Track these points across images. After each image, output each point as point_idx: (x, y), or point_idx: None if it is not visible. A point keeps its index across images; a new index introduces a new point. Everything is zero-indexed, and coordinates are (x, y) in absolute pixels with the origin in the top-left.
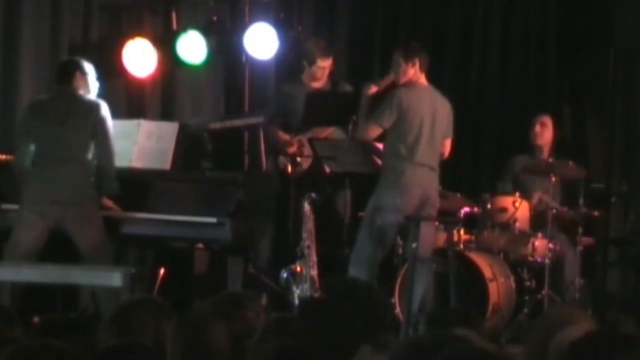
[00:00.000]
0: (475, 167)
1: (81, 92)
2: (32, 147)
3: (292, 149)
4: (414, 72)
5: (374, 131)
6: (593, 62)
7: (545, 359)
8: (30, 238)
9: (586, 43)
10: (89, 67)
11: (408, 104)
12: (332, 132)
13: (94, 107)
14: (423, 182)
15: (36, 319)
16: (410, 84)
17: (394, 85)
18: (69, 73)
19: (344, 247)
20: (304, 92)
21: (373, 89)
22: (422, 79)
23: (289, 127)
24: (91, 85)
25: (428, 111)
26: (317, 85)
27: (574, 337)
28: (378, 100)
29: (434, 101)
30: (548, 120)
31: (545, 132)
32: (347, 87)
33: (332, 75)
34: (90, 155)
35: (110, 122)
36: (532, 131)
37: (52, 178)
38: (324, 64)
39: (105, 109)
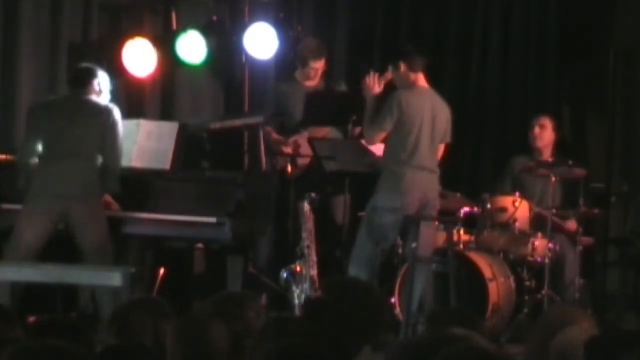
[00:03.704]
0: (475, 167)
1: (93, 97)
2: (39, 142)
3: (287, 150)
4: (415, 76)
5: (379, 136)
6: (593, 62)
7: (545, 359)
8: (33, 235)
9: (586, 43)
10: (103, 77)
11: (408, 107)
12: (328, 132)
13: (106, 110)
14: (423, 185)
15: (31, 319)
16: (410, 87)
17: (393, 87)
18: (85, 79)
19: (343, 247)
20: (300, 90)
21: (377, 89)
22: (422, 80)
23: (285, 127)
24: (104, 95)
25: (428, 114)
26: (310, 84)
27: (574, 337)
28: (381, 102)
29: (434, 104)
30: (547, 122)
31: (544, 134)
32: (343, 86)
33: (325, 75)
34: (97, 153)
35: (121, 126)
36: (531, 133)
37: (59, 172)
38: (316, 65)
39: (117, 113)
